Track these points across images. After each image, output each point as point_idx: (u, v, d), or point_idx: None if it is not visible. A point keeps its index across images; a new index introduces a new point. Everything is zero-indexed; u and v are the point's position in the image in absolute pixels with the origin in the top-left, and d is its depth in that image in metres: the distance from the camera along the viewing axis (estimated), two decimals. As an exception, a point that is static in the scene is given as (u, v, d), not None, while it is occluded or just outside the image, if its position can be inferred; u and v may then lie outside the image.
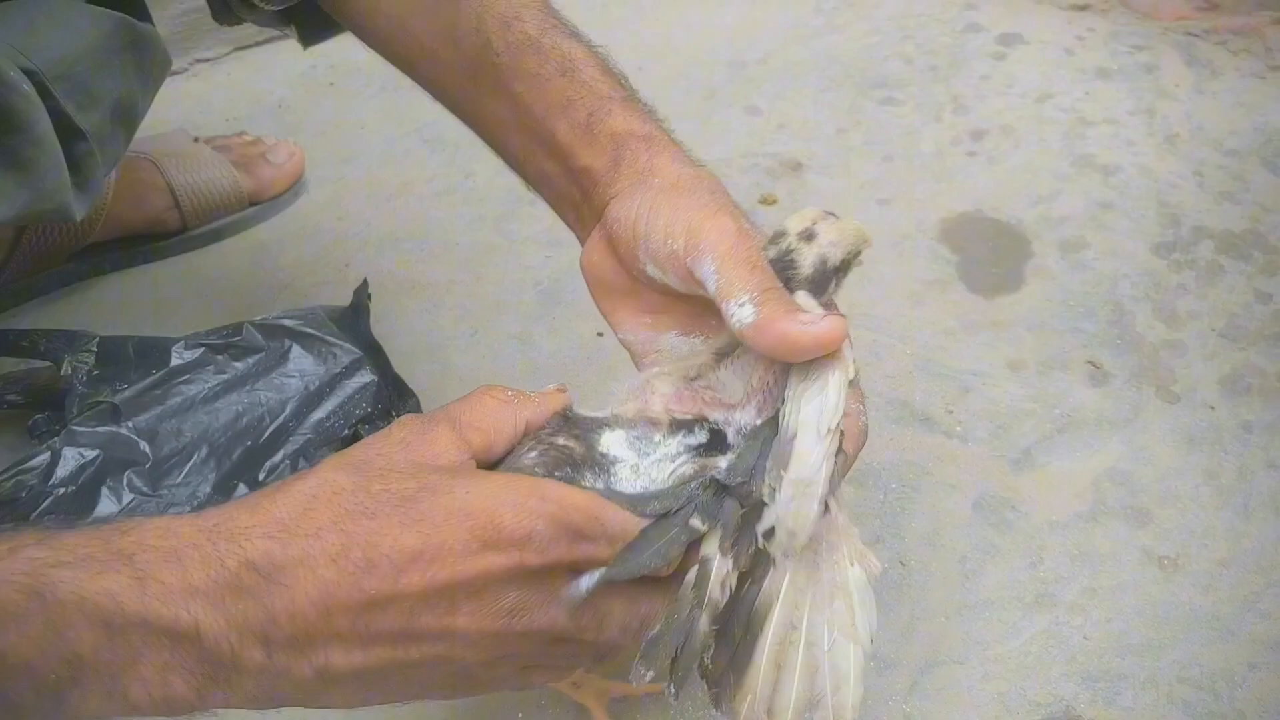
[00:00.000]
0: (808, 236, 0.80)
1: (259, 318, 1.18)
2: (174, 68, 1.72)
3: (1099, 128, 1.62)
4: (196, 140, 1.49)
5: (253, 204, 1.48)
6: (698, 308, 0.82)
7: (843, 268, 0.81)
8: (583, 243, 0.90)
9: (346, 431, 1.10)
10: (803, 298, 0.77)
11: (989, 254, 1.43)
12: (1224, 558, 1.10)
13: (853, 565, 0.76)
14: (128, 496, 1.06)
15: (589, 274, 0.88)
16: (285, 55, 1.75)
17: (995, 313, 1.35)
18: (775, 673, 0.73)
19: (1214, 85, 1.69)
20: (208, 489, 1.08)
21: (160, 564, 0.61)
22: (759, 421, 0.77)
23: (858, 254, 0.82)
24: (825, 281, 0.79)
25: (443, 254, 1.43)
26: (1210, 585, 1.08)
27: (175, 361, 1.13)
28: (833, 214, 0.82)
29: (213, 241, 1.46)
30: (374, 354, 1.17)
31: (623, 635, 0.70)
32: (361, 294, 1.22)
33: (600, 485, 0.75)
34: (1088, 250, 1.43)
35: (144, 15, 1.00)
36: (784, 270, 0.79)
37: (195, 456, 1.09)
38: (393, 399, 1.15)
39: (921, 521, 1.13)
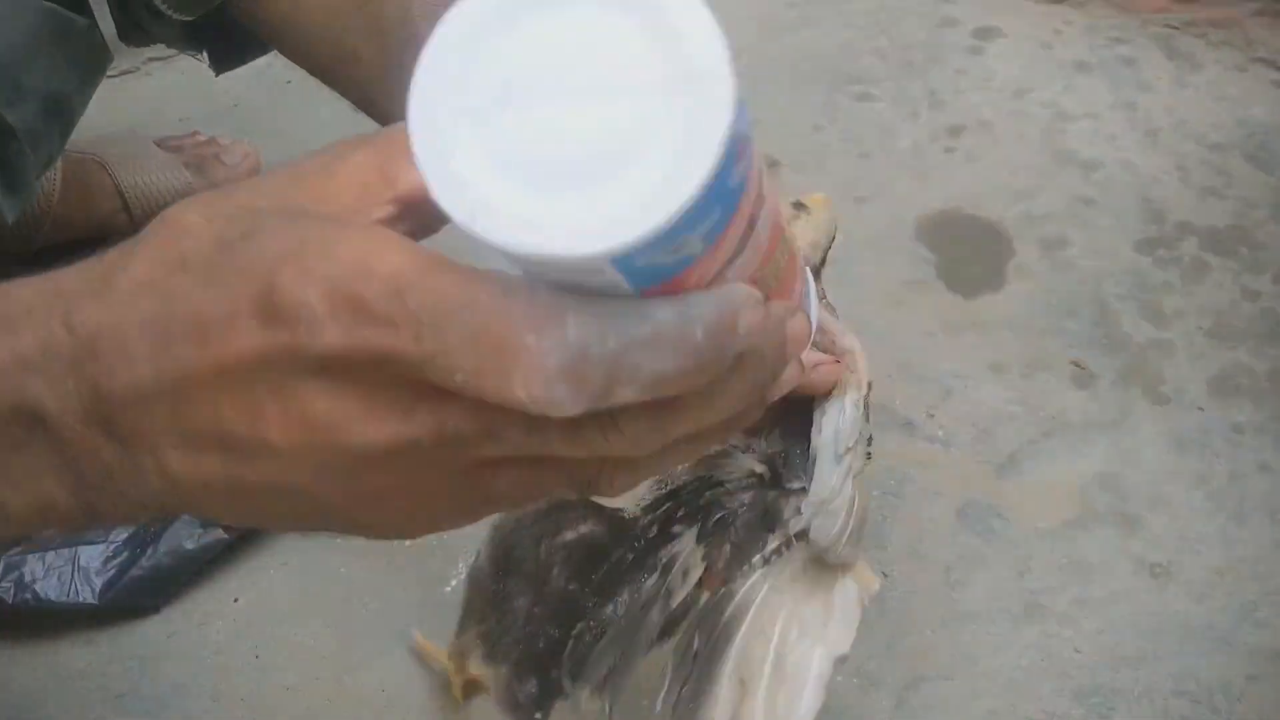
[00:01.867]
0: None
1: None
2: (125, 67, 1.66)
3: (1079, 122, 1.58)
4: (146, 140, 1.44)
5: (206, 207, 1.42)
6: None
7: (822, 265, 0.75)
8: None
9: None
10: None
11: (969, 253, 1.39)
12: (1218, 565, 1.07)
13: (845, 577, 0.72)
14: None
15: None
16: (242, 53, 1.69)
17: (976, 313, 1.31)
18: (739, 690, 0.69)
19: (1195, 78, 1.66)
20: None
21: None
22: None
23: (831, 243, 0.75)
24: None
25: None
26: (1204, 594, 1.05)
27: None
28: (801, 204, 0.73)
29: (164, 245, 1.40)
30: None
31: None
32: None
33: None
34: (1070, 248, 1.39)
35: (78, 7, 0.95)
36: None
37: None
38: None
39: (904, 530, 1.09)
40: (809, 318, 0.47)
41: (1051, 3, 1.81)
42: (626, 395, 0.38)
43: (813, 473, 0.69)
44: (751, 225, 0.40)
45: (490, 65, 0.38)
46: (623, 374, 0.38)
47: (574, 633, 0.72)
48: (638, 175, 0.34)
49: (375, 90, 0.93)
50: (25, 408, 0.46)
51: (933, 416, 1.19)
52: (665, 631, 0.71)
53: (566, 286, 0.37)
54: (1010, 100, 1.63)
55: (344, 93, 0.97)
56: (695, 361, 0.39)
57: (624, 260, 0.35)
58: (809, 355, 0.69)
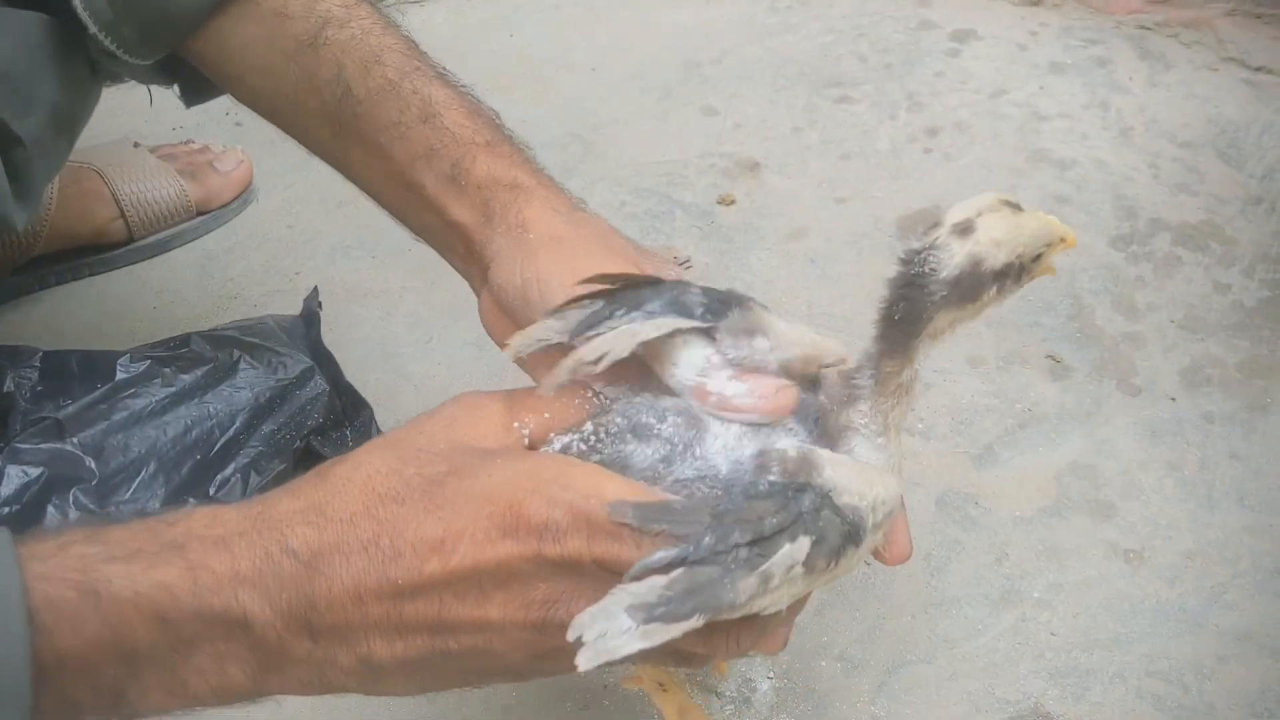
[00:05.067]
0: (963, 230, 0.67)
1: (207, 329, 1.15)
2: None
3: (1053, 122, 1.62)
4: (141, 148, 1.46)
5: (200, 213, 1.45)
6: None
7: (1010, 272, 0.68)
8: (476, 294, 0.88)
9: (298, 443, 1.08)
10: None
11: (947, 250, 1.42)
12: (1189, 550, 1.10)
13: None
14: (74, 514, 1.03)
15: (492, 332, 0.86)
16: (233, 62, 1.71)
17: (955, 309, 1.34)
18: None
19: (1167, 78, 1.69)
20: (157, 505, 1.05)
21: (209, 553, 0.60)
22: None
23: (1038, 256, 0.69)
24: (977, 287, 0.68)
25: (395, 261, 1.40)
26: (1176, 578, 1.08)
27: (121, 375, 1.10)
28: (1014, 204, 0.69)
29: (160, 252, 1.43)
30: (326, 363, 1.15)
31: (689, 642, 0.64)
32: (312, 302, 1.20)
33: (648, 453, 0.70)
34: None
35: (72, 20, 0.97)
36: (912, 278, 0.68)
37: (143, 472, 1.06)
38: (345, 409, 1.13)
39: (885, 520, 1.12)
40: None
41: (1027, 5, 1.84)
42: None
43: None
44: None
45: None
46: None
47: None
48: None
49: (321, 141, 0.95)
50: (234, 615, 0.60)
51: (912, 409, 1.22)
52: None
53: None
54: (986, 101, 1.66)
55: (293, 136, 0.99)
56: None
57: None
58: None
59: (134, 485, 1.06)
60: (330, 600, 0.61)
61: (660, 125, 1.63)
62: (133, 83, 1.68)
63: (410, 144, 0.87)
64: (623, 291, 0.74)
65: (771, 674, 1.00)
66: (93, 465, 1.05)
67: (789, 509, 0.64)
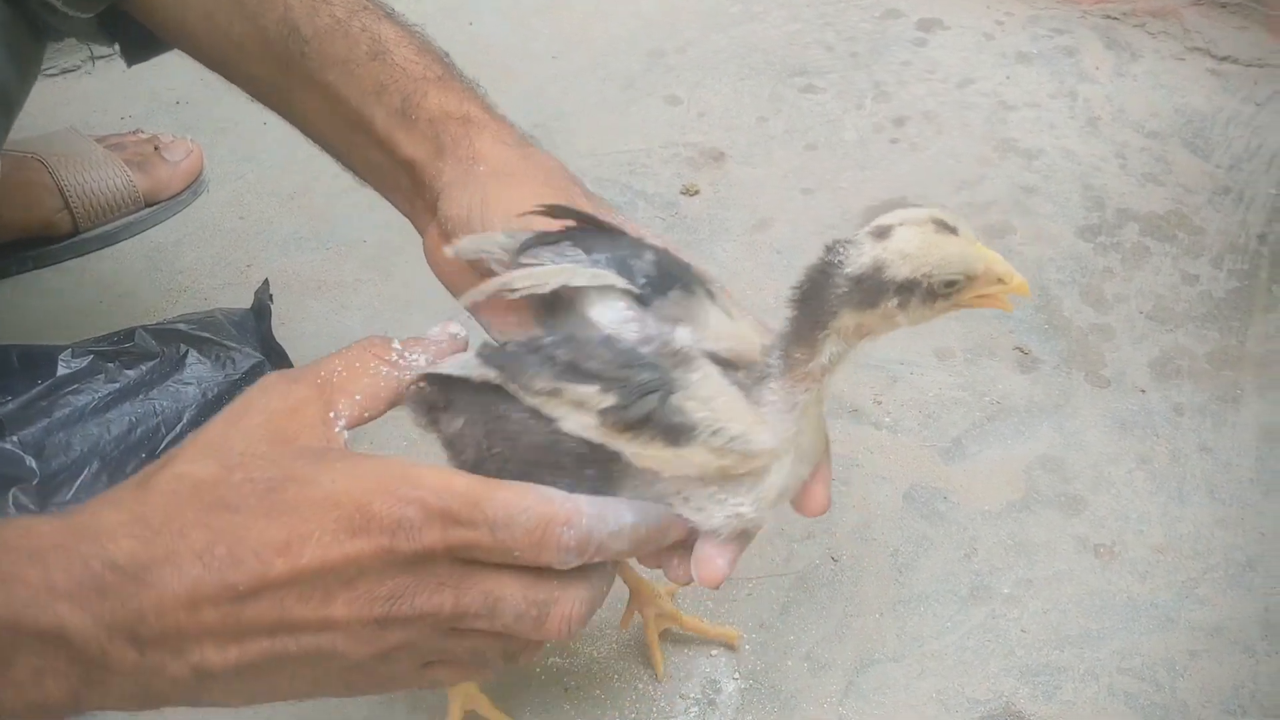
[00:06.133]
0: (881, 234, 0.67)
1: (153, 323, 1.12)
2: (67, 65, 1.64)
3: (1021, 112, 1.60)
4: (87, 138, 1.42)
5: (149, 204, 1.41)
6: None
7: (914, 289, 0.67)
8: (421, 232, 0.87)
9: (247, 440, 1.04)
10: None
11: (914, 241, 1.40)
12: (1160, 544, 1.08)
13: None
14: (14, 515, 0.99)
15: (439, 272, 0.84)
16: (184, 50, 1.67)
17: (922, 300, 1.32)
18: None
19: (1134, 68, 1.68)
20: (100, 505, 1.01)
21: (23, 565, 0.58)
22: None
23: (946, 282, 0.67)
24: (876, 292, 0.67)
25: (349, 253, 1.37)
26: (1147, 573, 1.06)
27: (62, 370, 1.06)
28: (949, 225, 0.67)
29: (107, 244, 1.38)
30: (276, 358, 1.12)
31: (520, 623, 0.67)
32: (263, 295, 1.16)
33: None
34: (1013, 235, 1.40)
35: None
36: (824, 266, 0.68)
37: (86, 471, 1.03)
38: (297, 404, 1.09)
39: (852, 515, 1.10)
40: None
41: (993, -6, 1.83)
42: (597, 559, 0.67)
43: None
44: None
45: None
46: (602, 549, 0.67)
47: None
48: None
49: (266, 85, 0.94)
50: (51, 628, 0.57)
51: (880, 403, 1.20)
52: None
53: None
54: (953, 91, 1.64)
55: (237, 84, 0.97)
56: (632, 549, 0.69)
57: None
58: None
59: (76, 485, 1.02)
60: (161, 609, 0.59)
61: (623, 115, 1.60)
62: (79, 72, 1.65)
63: (359, 81, 0.86)
64: (581, 231, 0.75)
65: (737, 675, 0.97)
66: (33, 464, 1.02)
67: (621, 371, 0.68)
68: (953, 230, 0.67)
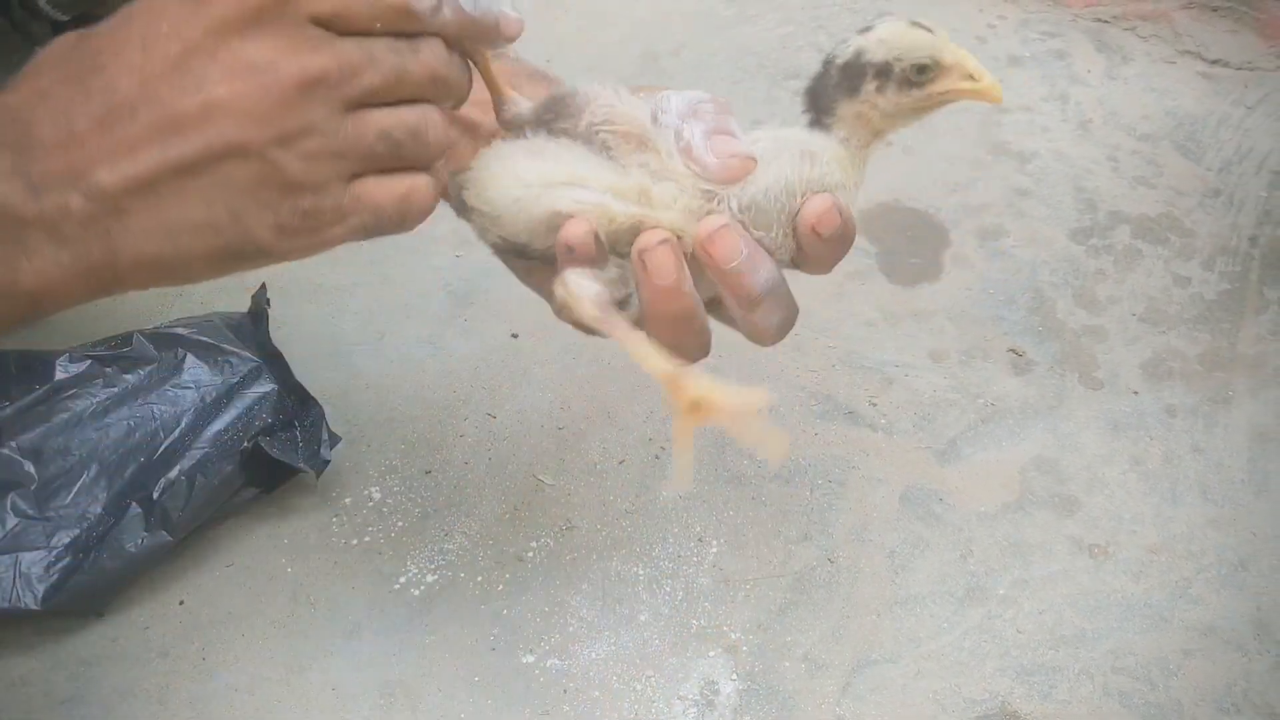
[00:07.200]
0: (864, 30, 0.79)
1: (150, 327, 1.12)
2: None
3: (1013, 115, 1.61)
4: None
5: (145, 208, 1.41)
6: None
7: (888, 73, 0.77)
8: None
9: (246, 444, 1.05)
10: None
11: (908, 244, 1.41)
12: (1153, 544, 1.09)
13: None
14: (12, 520, 0.99)
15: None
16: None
17: (916, 303, 1.33)
18: None
19: (1125, 71, 1.69)
20: (99, 509, 1.01)
21: None
22: None
23: (909, 65, 0.77)
24: (858, 76, 0.78)
25: (346, 256, 1.35)
26: (1141, 573, 1.07)
27: (60, 375, 1.06)
28: (922, 25, 0.78)
29: (103, 248, 1.38)
30: (274, 362, 1.12)
31: (411, 62, 0.65)
32: (260, 299, 1.16)
33: None
34: (1006, 238, 1.41)
35: None
36: (824, 65, 0.81)
37: (84, 475, 1.03)
38: (294, 408, 1.09)
39: (848, 517, 1.10)
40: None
41: (985, -3, 1.84)
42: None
43: None
44: None
45: None
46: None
47: None
48: None
49: None
50: None
51: (875, 405, 1.21)
52: None
53: None
54: (946, 94, 1.65)
55: None
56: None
57: None
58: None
59: (75, 489, 1.02)
60: (44, 141, 0.60)
61: (617, 118, 1.60)
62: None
63: None
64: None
65: (735, 675, 0.98)
66: (31, 469, 1.02)
67: None
68: (928, 30, 0.78)
